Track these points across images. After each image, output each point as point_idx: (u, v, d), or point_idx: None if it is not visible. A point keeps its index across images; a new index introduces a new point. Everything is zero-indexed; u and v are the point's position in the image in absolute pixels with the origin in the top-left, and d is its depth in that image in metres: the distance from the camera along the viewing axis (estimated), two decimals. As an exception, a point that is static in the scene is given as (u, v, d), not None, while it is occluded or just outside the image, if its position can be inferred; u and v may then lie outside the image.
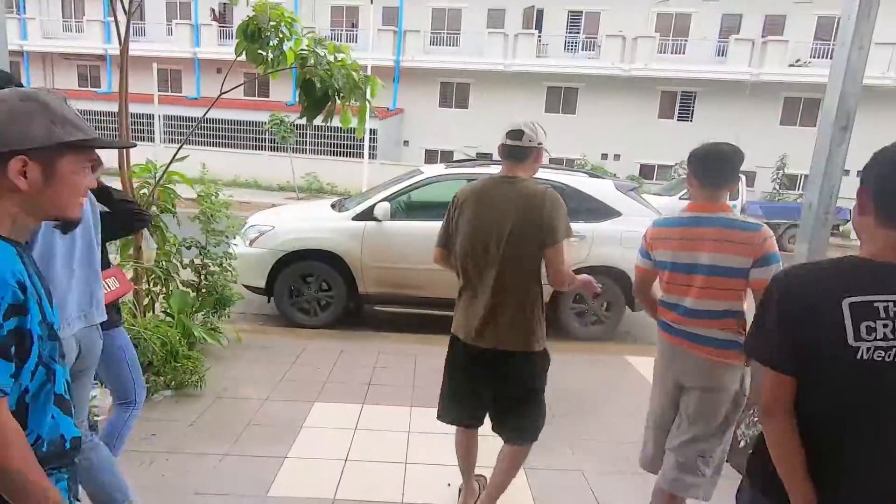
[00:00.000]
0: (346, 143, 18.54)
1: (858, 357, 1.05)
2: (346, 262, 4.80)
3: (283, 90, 20.78)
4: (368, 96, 3.69)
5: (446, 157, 19.43)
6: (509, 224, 1.95)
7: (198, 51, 21.22)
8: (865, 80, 2.71)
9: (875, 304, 1.04)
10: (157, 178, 3.62)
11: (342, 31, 20.51)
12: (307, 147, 18.71)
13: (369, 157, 16.44)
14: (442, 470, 2.68)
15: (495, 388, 2.13)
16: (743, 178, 14.31)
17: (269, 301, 5.01)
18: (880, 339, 1.04)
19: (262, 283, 4.86)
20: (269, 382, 3.57)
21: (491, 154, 18.89)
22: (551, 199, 1.97)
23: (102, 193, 2.02)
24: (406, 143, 20.96)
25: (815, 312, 1.09)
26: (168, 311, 3.87)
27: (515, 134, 2.02)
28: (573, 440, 3.08)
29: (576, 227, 5.20)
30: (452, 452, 2.83)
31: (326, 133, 18.53)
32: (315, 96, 3.43)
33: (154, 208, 3.73)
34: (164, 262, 3.90)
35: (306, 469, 2.61)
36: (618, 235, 4.94)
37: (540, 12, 19.96)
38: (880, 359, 1.04)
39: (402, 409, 3.29)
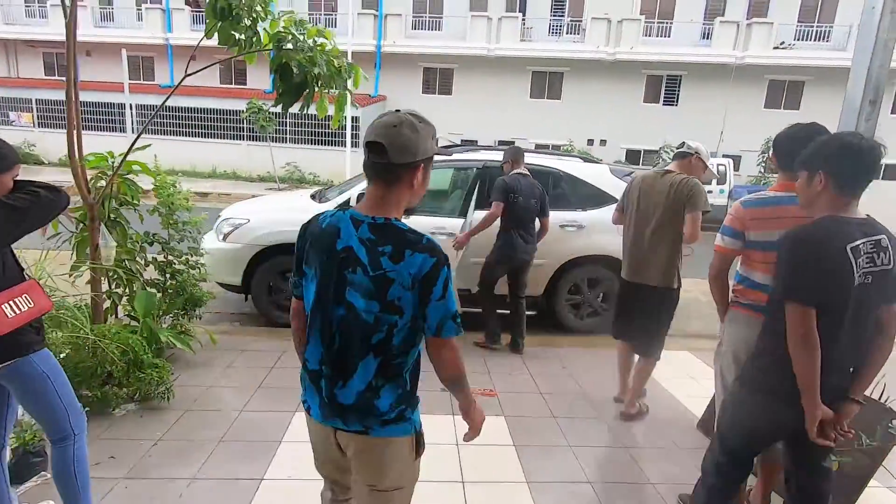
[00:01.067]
0: (327, 131, 18.01)
1: (856, 284, 1.58)
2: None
3: (261, 77, 20.09)
4: (350, 86, 3.38)
5: (431, 144, 18.96)
6: (662, 202, 2.94)
7: (170, 36, 20.36)
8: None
9: (858, 246, 1.58)
10: (114, 168, 3.27)
11: (321, 14, 19.82)
12: (287, 136, 18.14)
13: (351, 146, 15.98)
14: (438, 488, 2.42)
15: (641, 312, 3.08)
16: (730, 162, 14.23)
17: (246, 299, 4.69)
18: (862, 269, 1.58)
19: (237, 281, 4.53)
20: (246, 391, 3.28)
21: (476, 141, 18.53)
22: (690, 184, 2.90)
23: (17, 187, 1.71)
24: (389, 130, 20.45)
25: (831, 257, 1.57)
26: (133, 314, 3.54)
27: (680, 144, 3.13)
28: (578, 446, 2.85)
29: (571, 215, 4.97)
30: (448, 465, 2.59)
31: (307, 122, 17.97)
32: (292, 82, 3.10)
33: (113, 202, 3.39)
34: (126, 261, 3.56)
35: (285, 493, 2.32)
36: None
37: (523, -6, 19.53)
38: (862, 281, 1.58)
39: (392, 416, 3.02)
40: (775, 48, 18.11)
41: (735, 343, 2.12)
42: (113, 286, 3.56)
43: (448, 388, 1.43)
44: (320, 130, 18.10)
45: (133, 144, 3.17)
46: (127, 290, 3.59)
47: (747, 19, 18.22)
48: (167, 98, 3.41)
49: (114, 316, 3.53)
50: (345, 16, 18.83)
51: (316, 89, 3.06)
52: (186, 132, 18.53)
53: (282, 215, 4.72)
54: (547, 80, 19.69)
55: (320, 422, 1.41)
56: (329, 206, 4.63)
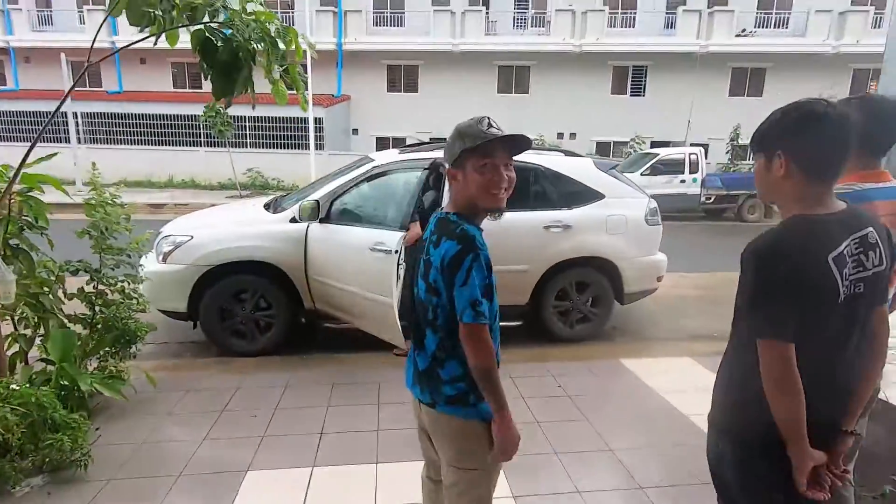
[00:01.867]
0: (289, 134, 17.25)
1: (841, 301, 1.20)
2: (286, 274, 3.96)
3: (217, 80, 19.14)
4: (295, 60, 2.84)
5: (398, 144, 18.41)
6: None
7: (116, 39, 19.18)
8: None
9: (842, 252, 1.20)
10: (10, 182, 2.66)
11: (277, 12, 18.97)
12: (247, 140, 17.28)
13: (316, 148, 15.29)
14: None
15: None
16: (702, 150, 14.14)
17: (194, 327, 4.11)
18: (850, 278, 1.20)
19: (182, 307, 3.94)
20: (188, 445, 2.72)
21: (445, 138, 18.03)
22: None
23: None
24: (355, 131, 19.79)
25: (812, 276, 1.17)
26: (48, 358, 2.94)
27: None
28: (588, 491, 2.42)
29: (556, 214, 4.51)
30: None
31: (267, 124, 17.17)
32: (220, 61, 2.56)
33: (12, 226, 2.79)
34: (38, 296, 2.96)
35: None
36: (602, 220, 4.31)
37: (486, -12, 19.10)
38: (848, 293, 1.20)
39: (365, 468, 2.52)
40: (737, 36, 18.24)
41: None
42: (21, 327, 2.96)
43: (477, 382, 1.41)
44: (282, 133, 17.32)
45: (27, 155, 2.58)
46: (39, 330, 2.99)
47: (709, 7, 18.29)
48: (63, 101, 2.84)
49: (22, 363, 2.93)
50: (302, 14, 18.10)
51: (254, 66, 2.52)
52: (139, 140, 17.48)
53: (230, 229, 4.15)
54: (514, 75, 19.38)
55: (409, 388, 1.60)
56: (286, 216, 4.12)
